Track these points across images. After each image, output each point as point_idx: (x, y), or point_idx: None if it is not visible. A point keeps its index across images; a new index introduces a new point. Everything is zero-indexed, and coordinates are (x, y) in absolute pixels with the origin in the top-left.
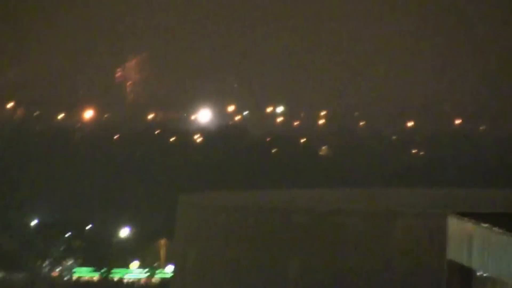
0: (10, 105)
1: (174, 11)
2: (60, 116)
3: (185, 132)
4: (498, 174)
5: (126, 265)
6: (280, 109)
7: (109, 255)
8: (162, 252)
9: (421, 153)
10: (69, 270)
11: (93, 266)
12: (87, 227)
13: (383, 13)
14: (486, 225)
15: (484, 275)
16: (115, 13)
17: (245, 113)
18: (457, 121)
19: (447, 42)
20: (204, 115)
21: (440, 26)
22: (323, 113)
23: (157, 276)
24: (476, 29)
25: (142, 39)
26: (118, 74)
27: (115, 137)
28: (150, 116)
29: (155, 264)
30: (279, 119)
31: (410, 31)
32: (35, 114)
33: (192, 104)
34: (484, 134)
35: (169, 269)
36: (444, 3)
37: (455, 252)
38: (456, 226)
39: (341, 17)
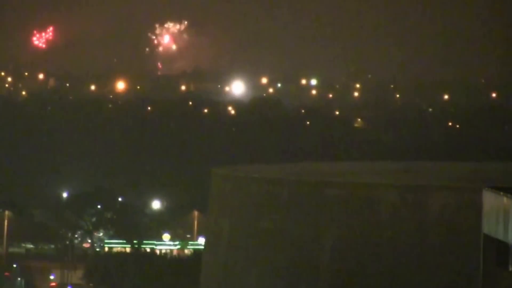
0: (41, 75)
1: None
2: (92, 86)
3: (219, 103)
4: None
5: (158, 236)
6: (313, 81)
7: (140, 227)
8: (195, 224)
9: (457, 126)
10: (101, 241)
11: (125, 238)
12: (119, 199)
13: None
14: None
15: None
16: None
17: (279, 85)
18: (493, 95)
19: (481, 21)
20: (237, 87)
21: (473, 5)
22: (357, 85)
23: (189, 248)
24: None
25: (176, 10)
26: (152, 44)
27: (148, 108)
28: (183, 87)
29: (187, 236)
30: (313, 92)
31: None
32: (67, 85)
33: (225, 76)
34: None
35: (201, 241)
36: None
37: (491, 227)
38: (492, 201)
39: None
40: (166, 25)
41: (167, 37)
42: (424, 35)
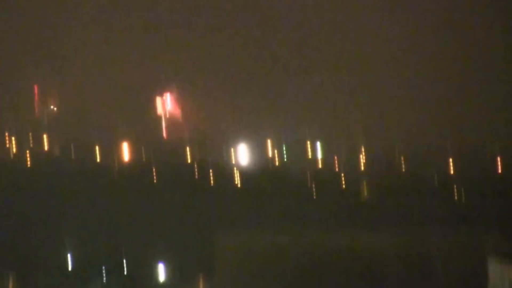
0: (46, 139)
1: (212, 49)
2: (97, 151)
3: (223, 171)
4: None
5: None
6: (320, 148)
7: None
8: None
9: (464, 195)
10: None
11: None
12: (124, 263)
13: (427, 67)
14: None
15: None
16: (153, 50)
17: (284, 151)
18: (500, 166)
19: (490, 91)
20: (242, 151)
21: (484, 79)
22: (363, 155)
23: None
24: None
25: (184, 77)
26: (156, 111)
27: (153, 173)
28: (189, 153)
29: None
30: (319, 160)
31: (450, 83)
32: (71, 151)
33: (230, 143)
34: None
35: None
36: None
37: None
38: (498, 268)
39: (379, 62)
40: (173, 92)
41: (174, 103)
42: (432, 102)
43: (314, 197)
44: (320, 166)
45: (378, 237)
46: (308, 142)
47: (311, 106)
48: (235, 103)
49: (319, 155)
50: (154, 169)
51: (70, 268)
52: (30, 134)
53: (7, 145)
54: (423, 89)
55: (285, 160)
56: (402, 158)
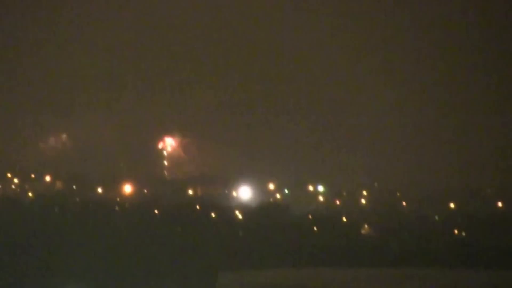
0: (48, 178)
1: (213, 88)
2: (99, 189)
3: (226, 208)
4: None
5: None
6: (320, 188)
7: None
8: None
9: (463, 234)
10: None
11: None
12: None
13: (423, 101)
14: None
15: None
16: (153, 90)
17: (286, 191)
18: (499, 205)
19: (489, 129)
20: (244, 192)
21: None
22: (364, 192)
23: None
24: None
25: (184, 118)
26: (158, 149)
27: (155, 211)
28: (190, 192)
29: None
30: (320, 198)
31: (449, 123)
32: (73, 187)
33: (232, 181)
34: None
35: None
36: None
37: None
38: None
39: (382, 102)
40: (173, 132)
41: (174, 143)
42: (430, 145)
43: (316, 236)
44: (321, 206)
45: (379, 273)
46: (310, 185)
47: (313, 149)
48: (238, 145)
49: (321, 196)
50: (156, 207)
51: None
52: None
53: (12, 184)
54: (422, 132)
55: (287, 201)
56: (403, 199)
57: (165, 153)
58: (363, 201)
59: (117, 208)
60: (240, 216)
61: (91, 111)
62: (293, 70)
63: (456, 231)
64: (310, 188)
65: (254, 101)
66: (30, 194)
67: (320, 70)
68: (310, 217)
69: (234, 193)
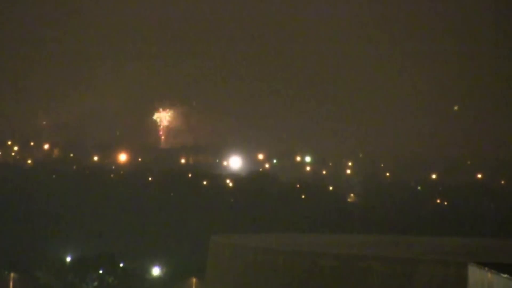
0: (46, 146)
1: (211, 61)
2: (96, 157)
3: (217, 176)
4: None
5: None
6: (308, 158)
7: None
8: None
9: (444, 203)
10: None
11: None
12: (120, 265)
13: (412, 71)
14: (505, 275)
15: None
16: (150, 62)
17: (274, 161)
18: (479, 175)
19: (472, 105)
20: (235, 162)
21: (468, 88)
22: (350, 163)
23: None
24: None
25: (179, 88)
26: (153, 119)
27: (149, 178)
28: (183, 160)
29: None
30: (308, 168)
31: (436, 92)
32: (71, 155)
33: (223, 151)
34: (504, 188)
35: None
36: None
37: None
38: (477, 275)
39: (367, 74)
40: (167, 103)
41: (168, 113)
42: (414, 118)
43: (303, 204)
44: (308, 176)
45: (362, 240)
46: (298, 155)
47: (301, 121)
48: (229, 117)
49: (308, 166)
50: (150, 175)
51: (66, 267)
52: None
53: (12, 151)
54: (406, 106)
55: (276, 170)
56: (386, 169)
57: (159, 123)
58: (348, 171)
59: (112, 175)
60: (230, 184)
61: (89, 80)
62: (283, 42)
63: (437, 200)
64: (298, 158)
65: (245, 74)
66: (29, 161)
67: (307, 41)
68: (297, 185)
69: (225, 162)
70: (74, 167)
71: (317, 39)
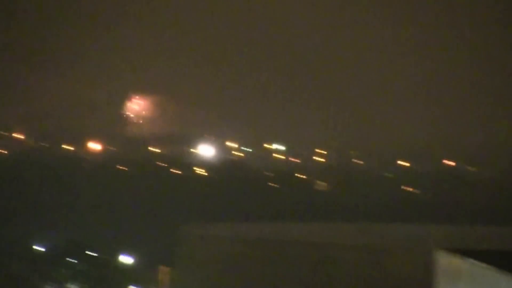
0: (18, 135)
1: (178, 47)
2: (67, 147)
3: (187, 165)
4: (485, 213)
5: None
6: (277, 146)
7: (110, 280)
8: (162, 279)
9: (414, 190)
10: None
11: None
12: (91, 253)
13: (381, 59)
14: (473, 260)
15: None
16: (121, 49)
17: (246, 149)
18: (449, 163)
19: (442, 91)
20: (205, 150)
21: (438, 75)
22: (319, 150)
23: None
24: (471, 79)
25: (147, 74)
26: (123, 108)
27: (120, 168)
28: (154, 149)
29: None
30: (278, 156)
31: (403, 78)
32: (41, 144)
33: (193, 139)
34: (475, 175)
35: None
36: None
37: (443, 287)
38: (445, 261)
39: (337, 61)
40: (138, 91)
41: (139, 101)
42: (385, 103)
43: (274, 192)
44: (279, 164)
45: (332, 228)
46: (268, 143)
47: (271, 107)
48: (200, 104)
49: (279, 154)
50: (120, 164)
51: (37, 256)
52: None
53: None
54: (373, 90)
55: (246, 158)
56: (357, 155)
57: (130, 111)
58: (319, 158)
59: (83, 164)
60: (201, 173)
61: (60, 68)
62: (248, 24)
63: (407, 187)
64: (269, 146)
65: (217, 61)
66: (1, 150)
67: (275, 22)
68: (268, 174)
69: (195, 151)
70: (44, 156)
71: (285, 19)
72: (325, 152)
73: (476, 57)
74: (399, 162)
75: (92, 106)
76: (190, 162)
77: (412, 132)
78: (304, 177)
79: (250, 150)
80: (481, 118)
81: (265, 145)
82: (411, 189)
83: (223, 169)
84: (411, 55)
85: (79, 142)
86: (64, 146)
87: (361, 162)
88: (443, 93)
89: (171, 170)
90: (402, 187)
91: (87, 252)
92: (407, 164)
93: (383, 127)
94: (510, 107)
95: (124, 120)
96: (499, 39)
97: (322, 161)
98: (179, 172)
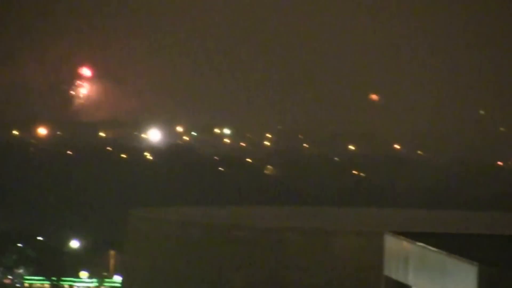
0: None
1: (125, 30)
2: (15, 131)
3: (136, 150)
4: (432, 197)
5: (76, 274)
6: (226, 130)
7: (59, 265)
8: (111, 263)
9: (361, 174)
10: (21, 278)
11: (44, 275)
12: (39, 238)
13: (327, 46)
14: (421, 243)
15: None
16: (67, 31)
17: (193, 133)
18: (395, 146)
19: (388, 74)
20: (154, 134)
21: (379, 56)
22: (268, 134)
23: (106, 286)
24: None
25: (93, 58)
26: (71, 92)
27: (68, 152)
28: (102, 134)
29: (104, 274)
30: (226, 140)
31: (354, 60)
32: None
33: (142, 124)
34: (420, 158)
35: (117, 279)
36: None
37: (391, 269)
38: (393, 244)
39: (286, 45)
40: (86, 76)
41: (87, 86)
42: (334, 88)
43: (222, 176)
44: (227, 148)
45: (279, 212)
46: (217, 128)
47: (220, 93)
48: (148, 89)
49: (227, 139)
50: (69, 149)
51: None
52: None
53: None
54: (323, 77)
55: (195, 143)
56: (305, 141)
57: (78, 96)
58: (267, 142)
59: (32, 149)
60: (150, 157)
61: (9, 51)
62: (197, 12)
63: (354, 171)
64: (217, 130)
65: (166, 46)
66: None
67: (219, 11)
68: (216, 158)
69: (144, 135)
70: None
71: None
72: (274, 137)
73: (421, 47)
74: (349, 146)
75: (38, 91)
76: (138, 146)
77: (362, 117)
78: (253, 161)
79: (198, 134)
80: (429, 106)
81: (214, 129)
82: (360, 173)
83: (170, 153)
84: (359, 37)
85: (26, 128)
86: (10, 131)
87: (310, 146)
88: (393, 80)
89: (119, 154)
90: (352, 171)
91: (36, 237)
92: (356, 149)
93: (332, 112)
94: (455, 98)
95: (71, 105)
96: (448, 30)
97: (271, 146)
98: (127, 157)
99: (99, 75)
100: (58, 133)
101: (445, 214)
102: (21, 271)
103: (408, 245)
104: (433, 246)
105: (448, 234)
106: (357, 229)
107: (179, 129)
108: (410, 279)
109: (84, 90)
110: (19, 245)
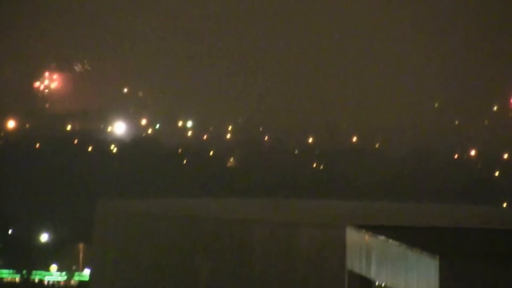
0: None
1: (93, 24)
2: None
3: (102, 142)
4: (394, 189)
5: (46, 267)
6: (189, 123)
7: (29, 258)
8: (80, 256)
9: (321, 166)
10: None
11: (14, 268)
12: (9, 231)
13: (289, 35)
14: (382, 237)
15: (382, 284)
16: (35, 24)
17: (157, 126)
18: (354, 139)
19: (350, 67)
20: (119, 127)
21: (338, 49)
22: (230, 127)
23: (75, 279)
24: (376, 57)
25: (61, 52)
26: (38, 85)
27: (36, 145)
28: (69, 127)
29: (73, 267)
30: (189, 132)
31: (312, 54)
32: None
33: (108, 116)
34: (379, 150)
35: (87, 272)
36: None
37: (354, 263)
38: (355, 237)
39: (245, 39)
40: (54, 66)
41: (54, 78)
42: (294, 80)
43: (184, 167)
44: (190, 140)
45: (242, 204)
46: (180, 120)
47: (183, 84)
48: (113, 81)
49: (190, 131)
50: (37, 141)
51: None
52: None
53: None
54: (286, 70)
55: (159, 135)
56: (265, 133)
57: (45, 87)
58: (228, 135)
59: (0, 142)
60: (115, 149)
61: None
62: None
63: (314, 164)
64: (180, 123)
65: (131, 38)
66: None
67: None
68: (179, 150)
69: (109, 128)
70: None
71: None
72: (235, 129)
73: (379, 39)
74: (308, 138)
75: (5, 82)
76: (104, 139)
77: (321, 109)
78: (215, 153)
79: (161, 126)
80: (387, 99)
81: (177, 121)
82: (322, 166)
83: (135, 146)
84: (318, 27)
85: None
86: None
87: (270, 138)
88: (352, 73)
89: (85, 146)
90: (313, 163)
91: (5, 231)
92: (316, 141)
93: (292, 104)
94: (416, 93)
95: (37, 96)
96: (404, 21)
97: (232, 138)
98: (92, 149)
99: (65, 68)
100: (26, 125)
101: (407, 206)
102: None
103: (370, 238)
104: (395, 239)
105: (410, 227)
106: (319, 222)
107: (144, 121)
108: (372, 273)
109: (50, 82)
110: None
